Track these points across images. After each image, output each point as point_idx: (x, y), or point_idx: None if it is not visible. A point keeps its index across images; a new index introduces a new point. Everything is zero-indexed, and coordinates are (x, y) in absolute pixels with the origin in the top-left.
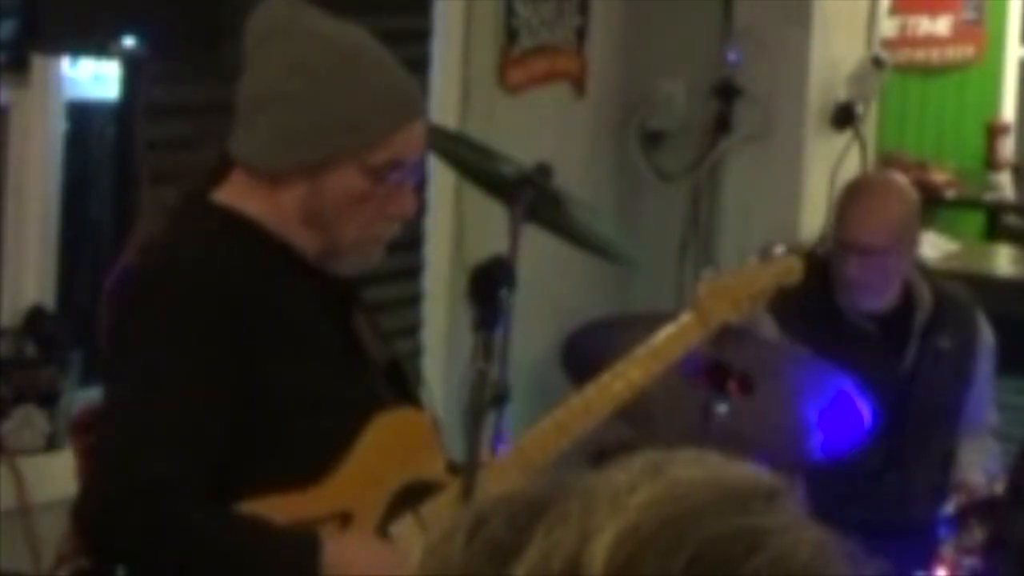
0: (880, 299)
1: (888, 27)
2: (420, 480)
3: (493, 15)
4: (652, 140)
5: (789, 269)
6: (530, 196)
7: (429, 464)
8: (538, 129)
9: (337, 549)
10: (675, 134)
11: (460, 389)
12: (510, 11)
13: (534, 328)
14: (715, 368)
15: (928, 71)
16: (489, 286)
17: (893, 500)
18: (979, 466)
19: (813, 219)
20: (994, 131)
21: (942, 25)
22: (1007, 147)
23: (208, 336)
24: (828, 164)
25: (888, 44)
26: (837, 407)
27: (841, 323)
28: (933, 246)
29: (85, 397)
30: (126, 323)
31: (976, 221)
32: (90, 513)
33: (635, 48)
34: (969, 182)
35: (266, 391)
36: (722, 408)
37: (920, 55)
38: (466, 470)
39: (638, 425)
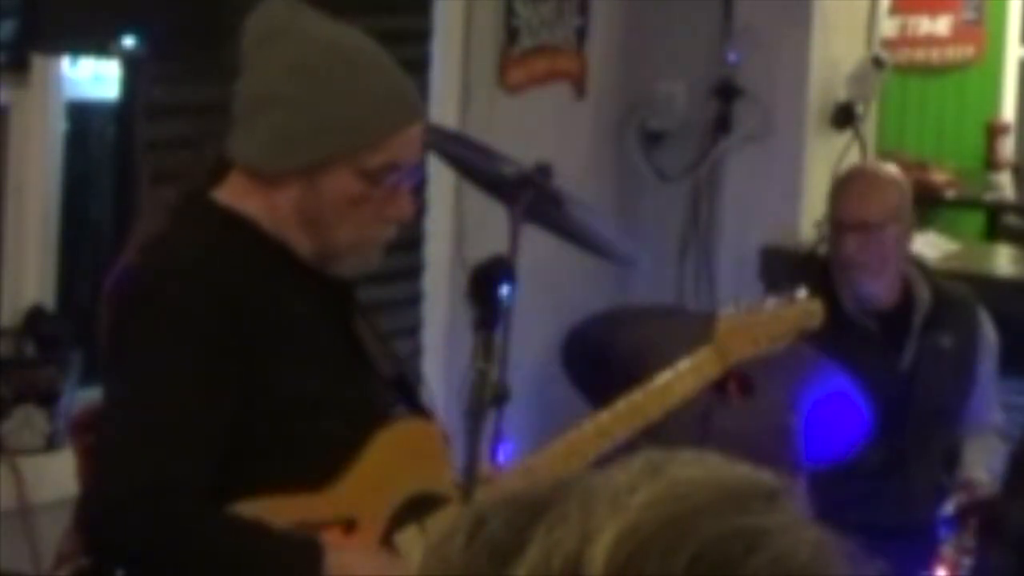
0: (878, 282)
1: (888, 27)
2: (427, 492)
3: (493, 15)
4: (652, 140)
5: (810, 313)
6: (530, 196)
7: (437, 477)
8: (538, 129)
9: (339, 556)
10: (675, 134)
11: (460, 389)
12: (510, 11)
13: (534, 328)
14: (723, 374)
15: (928, 71)
16: (489, 286)
17: (893, 500)
18: (983, 465)
19: (813, 219)
20: (994, 131)
21: (942, 25)
22: (1007, 147)
23: (208, 336)
24: (828, 164)
25: (888, 44)
26: (837, 407)
27: (841, 322)
28: (933, 246)
29: (85, 397)
30: (126, 323)
31: (976, 221)
32: (92, 514)
33: (635, 48)
34: (969, 182)
35: (267, 391)
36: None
37: (920, 55)
38: (466, 471)
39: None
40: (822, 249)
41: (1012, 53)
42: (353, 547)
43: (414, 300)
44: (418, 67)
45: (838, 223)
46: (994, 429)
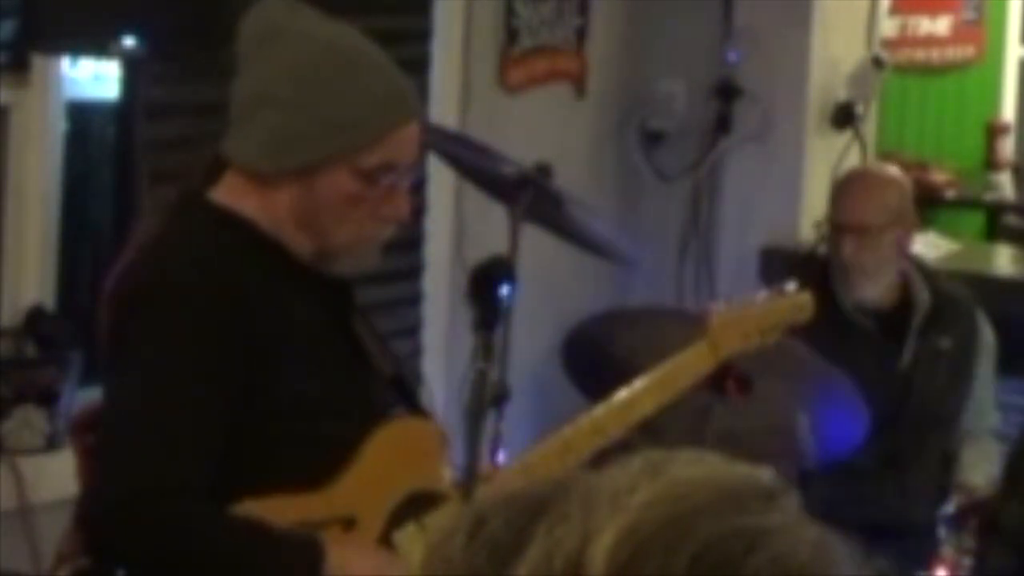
0: (875, 285)
1: (888, 27)
2: (425, 490)
3: (493, 15)
4: (652, 140)
5: (800, 306)
6: (530, 196)
7: (435, 475)
8: (538, 129)
9: (340, 555)
10: (675, 134)
11: (460, 389)
12: (510, 11)
13: (534, 328)
14: (715, 368)
15: (928, 71)
16: (489, 286)
17: (892, 500)
18: (980, 468)
19: (813, 219)
20: (994, 131)
21: (942, 25)
22: (1007, 147)
23: (208, 336)
24: (828, 164)
25: (888, 44)
26: (836, 407)
27: (839, 322)
28: (933, 246)
29: (85, 397)
30: (126, 323)
31: (976, 221)
32: (92, 514)
33: (635, 48)
34: (969, 182)
35: (266, 391)
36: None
37: (920, 55)
38: (466, 470)
39: (637, 425)
40: (822, 249)
41: (1012, 53)
42: (353, 546)
43: (414, 300)
44: (418, 67)
45: (837, 225)
46: (990, 432)
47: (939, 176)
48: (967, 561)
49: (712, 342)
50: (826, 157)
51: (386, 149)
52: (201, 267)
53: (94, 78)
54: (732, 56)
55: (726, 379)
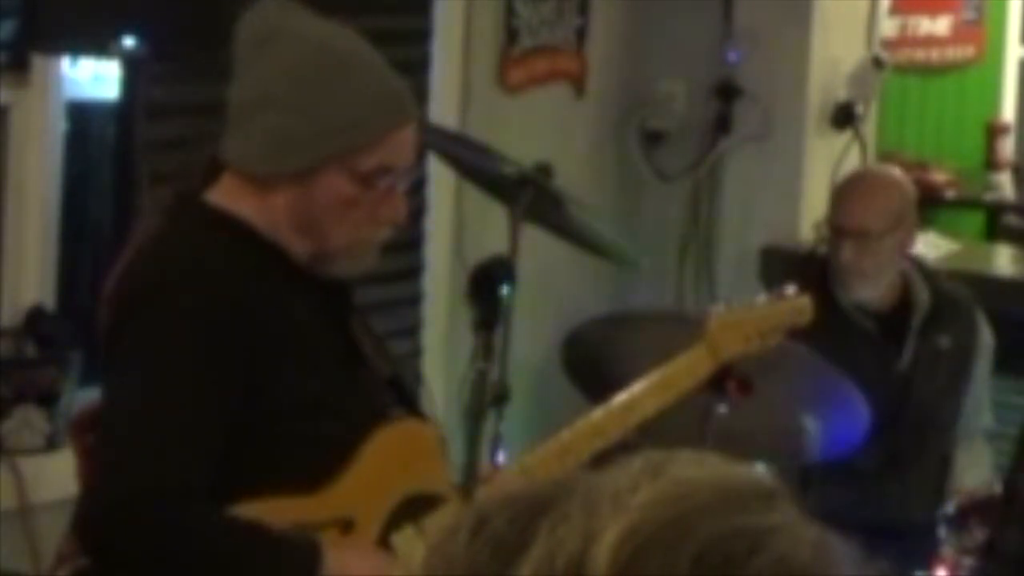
0: (873, 288)
1: (888, 27)
2: (424, 492)
3: (493, 15)
4: (652, 140)
5: (800, 309)
6: (530, 196)
7: (433, 477)
8: (538, 129)
9: (338, 557)
10: (675, 134)
11: (460, 389)
12: (510, 11)
13: (534, 328)
14: (715, 371)
15: (928, 71)
16: (489, 286)
17: (892, 500)
18: (972, 473)
19: (813, 219)
20: (994, 131)
21: (942, 25)
22: (1007, 147)
23: (207, 337)
24: (828, 164)
25: (888, 44)
26: (836, 408)
27: (839, 322)
28: (933, 246)
29: (85, 397)
30: (124, 325)
31: (976, 221)
32: (91, 516)
33: (635, 48)
34: (969, 182)
35: (265, 392)
36: (722, 409)
37: (920, 55)
38: (466, 471)
39: (636, 427)
40: (822, 249)
41: (1012, 53)
42: (351, 548)
43: (414, 300)
44: (418, 67)
45: (837, 229)
46: (983, 433)
47: (939, 176)
48: (967, 561)
49: (711, 345)
50: (826, 157)
51: (383, 151)
52: (199, 268)
53: (94, 78)
54: (732, 56)
55: (727, 380)
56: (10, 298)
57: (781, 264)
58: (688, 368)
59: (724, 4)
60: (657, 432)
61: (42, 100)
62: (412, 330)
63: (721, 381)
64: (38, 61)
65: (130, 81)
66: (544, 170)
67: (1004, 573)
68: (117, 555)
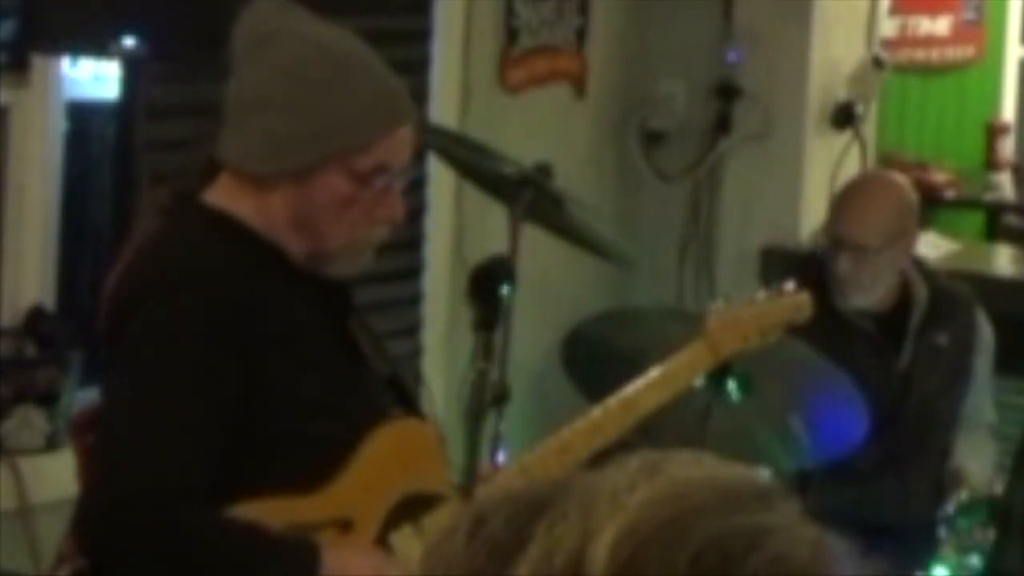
0: (870, 297)
1: (888, 27)
2: (422, 492)
3: (493, 15)
4: (652, 140)
5: (799, 305)
6: (530, 196)
7: (432, 476)
8: (538, 129)
9: (336, 557)
10: (675, 134)
11: (460, 389)
12: (510, 11)
13: (534, 328)
14: (715, 368)
15: (928, 71)
16: (489, 286)
17: (892, 499)
18: (976, 458)
19: (813, 219)
20: (994, 131)
21: (942, 25)
22: (1007, 147)
23: (205, 337)
24: (828, 164)
25: (888, 44)
26: (836, 407)
27: (838, 322)
28: (933, 246)
29: (85, 397)
30: (125, 324)
31: (976, 221)
32: (90, 516)
33: (635, 48)
34: (969, 182)
35: (264, 392)
36: (721, 409)
37: (920, 55)
38: (466, 471)
39: (636, 426)
40: (822, 250)
41: (1012, 53)
42: (349, 548)
43: (414, 300)
44: (418, 67)
45: (836, 239)
46: (987, 427)
47: (939, 176)
48: (967, 561)
49: (711, 342)
50: (826, 157)
51: (380, 151)
52: (199, 268)
53: (94, 78)
54: (732, 56)
55: (727, 379)
56: (10, 298)
57: (781, 264)
58: (688, 365)
59: (724, 4)
60: (657, 432)
61: (42, 100)
62: (412, 330)
63: (720, 381)
64: (38, 61)
65: (130, 81)
66: (544, 170)
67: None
68: (116, 555)
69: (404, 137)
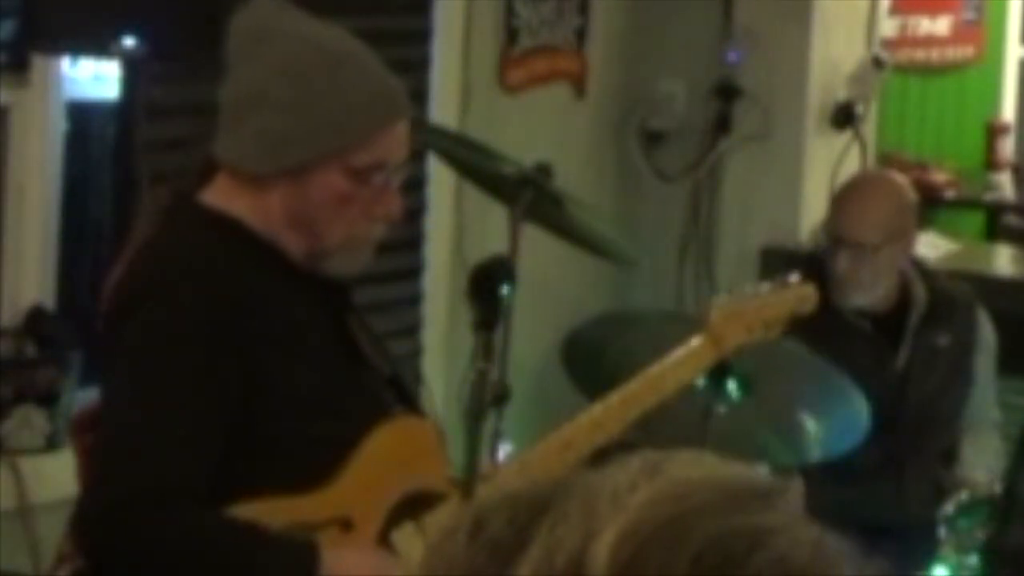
0: (869, 296)
1: (888, 27)
2: (423, 490)
3: (493, 15)
4: (652, 140)
5: (804, 297)
6: (530, 196)
7: (432, 474)
8: (538, 129)
9: (336, 556)
10: (675, 134)
11: (460, 389)
12: (510, 11)
13: (534, 328)
14: (714, 368)
15: (928, 71)
16: (489, 286)
17: (892, 499)
18: (982, 463)
19: (813, 219)
20: (994, 131)
21: (942, 25)
22: (1007, 147)
23: (206, 337)
24: (828, 164)
25: (888, 44)
26: (836, 407)
27: (837, 321)
28: (933, 246)
29: (85, 397)
30: (124, 324)
31: (976, 221)
32: (89, 516)
33: (635, 48)
34: (969, 182)
35: (263, 391)
36: (721, 409)
37: (920, 55)
38: (466, 471)
39: (637, 424)
40: (822, 248)
41: (1012, 53)
42: (349, 547)
43: (414, 300)
44: (418, 67)
45: (835, 237)
46: (993, 426)
47: (939, 176)
48: (967, 561)
49: (714, 335)
50: (826, 157)
51: (377, 148)
52: (196, 269)
53: (94, 78)
54: (732, 56)
55: (727, 379)
56: (10, 298)
57: (781, 264)
58: (690, 359)
59: (724, 4)
60: (657, 432)
61: (42, 100)
62: (412, 330)
63: (720, 379)
64: (38, 61)
65: (130, 81)
66: (544, 170)
67: (1006, 572)
68: (115, 555)
69: (400, 133)
